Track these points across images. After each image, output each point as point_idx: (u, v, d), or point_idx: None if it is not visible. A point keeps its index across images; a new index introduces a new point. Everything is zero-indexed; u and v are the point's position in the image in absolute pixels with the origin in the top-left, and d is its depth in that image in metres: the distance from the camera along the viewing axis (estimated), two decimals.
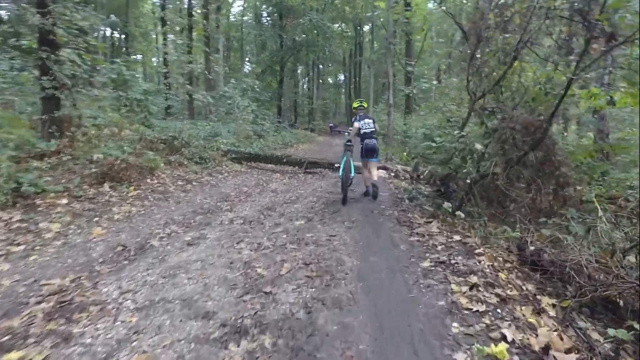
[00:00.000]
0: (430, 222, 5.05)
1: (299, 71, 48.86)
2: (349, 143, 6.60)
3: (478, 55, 5.61)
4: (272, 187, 8.45)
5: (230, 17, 35.74)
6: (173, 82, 20.87)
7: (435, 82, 18.20)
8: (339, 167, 6.54)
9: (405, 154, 12.24)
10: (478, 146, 4.90)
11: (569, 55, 4.82)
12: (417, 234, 4.64)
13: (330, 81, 59.77)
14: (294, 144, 20.51)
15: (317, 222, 5.27)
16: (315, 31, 23.35)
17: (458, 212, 5.03)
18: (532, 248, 3.54)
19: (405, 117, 20.95)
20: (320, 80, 56.72)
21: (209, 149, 10.83)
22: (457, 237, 4.39)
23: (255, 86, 18.70)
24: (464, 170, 5.56)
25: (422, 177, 8.54)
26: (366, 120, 6.57)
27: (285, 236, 4.67)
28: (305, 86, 45.99)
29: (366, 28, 43.25)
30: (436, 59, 33.60)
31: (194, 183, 8.03)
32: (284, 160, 10.75)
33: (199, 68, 18.07)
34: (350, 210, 5.90)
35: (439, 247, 4.13)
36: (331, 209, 6.03)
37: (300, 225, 5.14)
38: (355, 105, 7.13)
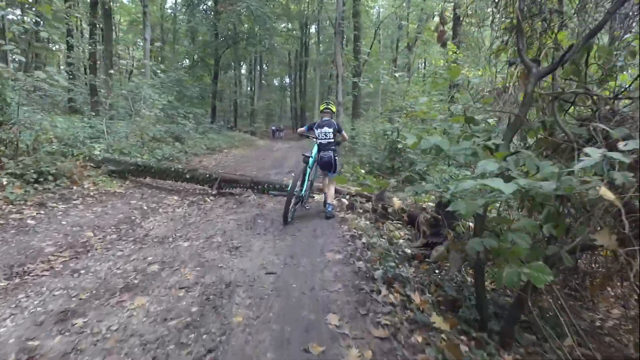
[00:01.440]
0: None
1: (242, 70, 45.24)
2: (307, 154, 5.35)
3: None
4: (147, 227, 4.84)
5: (166, 8, 31.25)
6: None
7: (386, 78, 15.33)
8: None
9: (358, 166, 9.11)
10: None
11: None
12: None
13: (276, 83, 56.40)
14: (224, 149, 16.73)
15: None
16: (254, 20, 19.73)
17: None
18: None
19: (352, 122, 17.96)
20: (264, 82, 53.21)
21: (72, 157, 6.96)
22: None
23: (164, 77, 14.74)
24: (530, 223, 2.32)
25: (390, 211, 5.36)
26: (324, 130, 5.39)
27: None
28: (248, 87, 41.93)
29: (312, 29, 40.52)
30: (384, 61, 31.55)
31: None
32: (187, 176, 7.11)
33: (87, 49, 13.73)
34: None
35: None
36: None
37: None
38: (321, 107, 5.72)
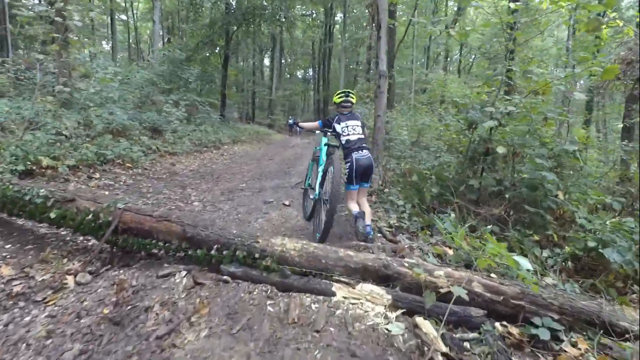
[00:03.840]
0: None
1: (265, 61, 41.41)
2: (331, 144, 3.67)
3: None
4: None
5: None
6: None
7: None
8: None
9: (426, 192, 4.84)
10: None
11: None
12: None
13: (300, 76, 52.36)
14: (225, 145, 12.67)
15: None
16: None
17: None
18: None
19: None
20: (287, 74, 49.15)
21: None
22: None
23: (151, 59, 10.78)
24: None
25: None
26: (350, 123, 3.63)
27: None
28: (270, 78, 37.85)
29: (338, 17, 36.10)
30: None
31: None
32: (53, 216, 3.01)
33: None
34: None
35: None
36: None
37: None
38: (337, 99, 3.78)
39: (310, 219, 3.99)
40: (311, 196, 3.89)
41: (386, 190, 5.41)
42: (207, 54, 18.66)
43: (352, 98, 3.74)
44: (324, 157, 3.67)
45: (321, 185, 3.60)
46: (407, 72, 27.41)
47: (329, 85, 36.54)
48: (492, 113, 4.39)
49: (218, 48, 18.59)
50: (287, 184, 6.73)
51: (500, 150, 4.35)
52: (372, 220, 3.69)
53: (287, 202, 5.14)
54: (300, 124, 4.28)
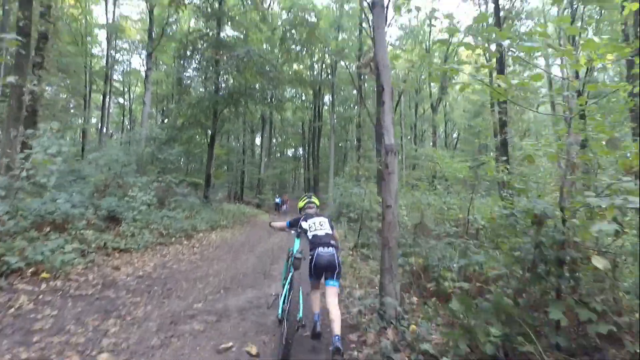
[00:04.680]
0: None
1: (257, 140, 41.25)
2: (297, 256, 3.39)
3: None
4: None
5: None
6: None
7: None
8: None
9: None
10: None
11: None
12: None
13: (290, 154, 52.40)
14: (200, 233, 10.78)
15: None
16: (255, 68, 14.89)
17: None
18: None
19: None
20: (278, 153, 49.11)
21: None
22: None
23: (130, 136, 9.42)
24: None
25: None
26: (318, 219, 3.66)
27: None
28: (261, 157, 37.19)
29: (326, 99, 36.87)
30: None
31: None
32: None
33: None
34: None
35: None
36: None
37: None
38: (301, 204, 4.01)
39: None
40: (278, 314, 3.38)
41: (406, 319, 3.51)
42: (193, 134, 17.59)
43: (315, 201, 3.98)
44: (288, 269, 3.50)
45: (284, 301, 3.29)
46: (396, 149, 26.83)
47: (319, 163, 35.88)
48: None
49: (205, 127, 17.56)
50: (262, 298, 4.78)
51: (599, 263, 2.61)
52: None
53: (253, 351, 3.17)
54: (272, 224, 4.28)
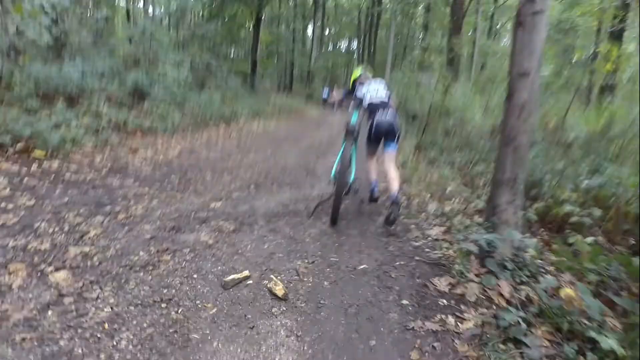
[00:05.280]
0: None
1: (308, 31, 37.43)
2: (352, 126, 3.27)
3: None
4: None
5: None
6: None
7: None
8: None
9: None
10: None
11: None
12: None
13: (342, 48, 47.86)
14: (241, 120, 9.63)
15: None
16: None
17: None
18: None
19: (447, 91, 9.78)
20: (330, 46, 44.94)
21: None
22: None
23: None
24: None
25: None
26: (374, 85, 3.44)
27: None
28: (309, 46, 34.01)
29: None
30: None
31: None
32: None
33: None
34: None
35: None
36: None
37: None
38: (355, 76, 3.74)
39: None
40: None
41: (546, 271, 2.10)
42: (236, 10, 15.38)
43: (369, 72, 3.75)
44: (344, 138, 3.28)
45: (338, 164, 3.24)
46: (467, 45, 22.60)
47: (374, 58, 32.25)
48: None
49: (248, 4, 15.21)
50: (301, 202, 3.59)
51: None
52: None
53: (278, 289, 1.97)
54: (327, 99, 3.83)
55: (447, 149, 6.80)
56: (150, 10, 18.11)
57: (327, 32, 41.22)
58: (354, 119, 3.39)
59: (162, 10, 14.84)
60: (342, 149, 3.22)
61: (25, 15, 4.85)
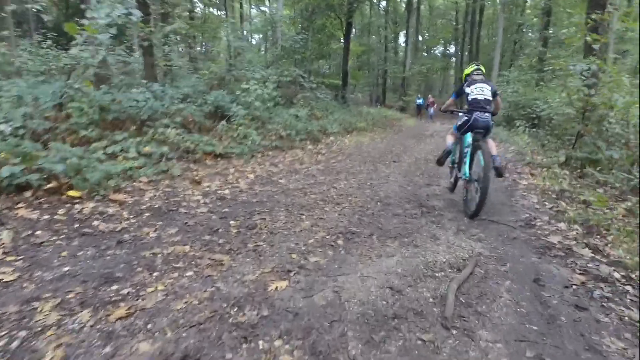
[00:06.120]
0: None
1: (400, 40, 35.49)
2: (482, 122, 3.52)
3: None
4: None
5: None
6: None
7: None
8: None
9: None
10: None
11: None
12: None
13: (439, 53, 44.50)
14: (331, 137, 8.41)
15: None
16: None
17: None
18: None
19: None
20: (425, 51, 42.07)
21: None
22: None
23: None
24: None
25: None
26: (480, 85, 3.61)
27: None
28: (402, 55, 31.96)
29: None
30: None
31: None
32: None
33: None
34: None
35: None
36: None
37: None
38: (468, 71, 3.85)
39: (453, 191, 4.05)
40: (459, 175, 3.69)
41: None
42: (325, 22, 14.55)
43: (482, 68, 3.80)
44: (469, 140, 3.46)
45: (470, 167, 3.47)
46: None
47: (478, 58, 28.77)
48: None
49: (337, 12, 14.26)
50: (426, 277, 2.04)
51: None
52: None
53: None
54: (441, 108, 4.05)
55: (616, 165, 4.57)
56: (245, 32, 18.49)
57: (420, 38, 38.70)
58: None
59: (252, 30, 14.74)
60: (466, 149, 3.42)
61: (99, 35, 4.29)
